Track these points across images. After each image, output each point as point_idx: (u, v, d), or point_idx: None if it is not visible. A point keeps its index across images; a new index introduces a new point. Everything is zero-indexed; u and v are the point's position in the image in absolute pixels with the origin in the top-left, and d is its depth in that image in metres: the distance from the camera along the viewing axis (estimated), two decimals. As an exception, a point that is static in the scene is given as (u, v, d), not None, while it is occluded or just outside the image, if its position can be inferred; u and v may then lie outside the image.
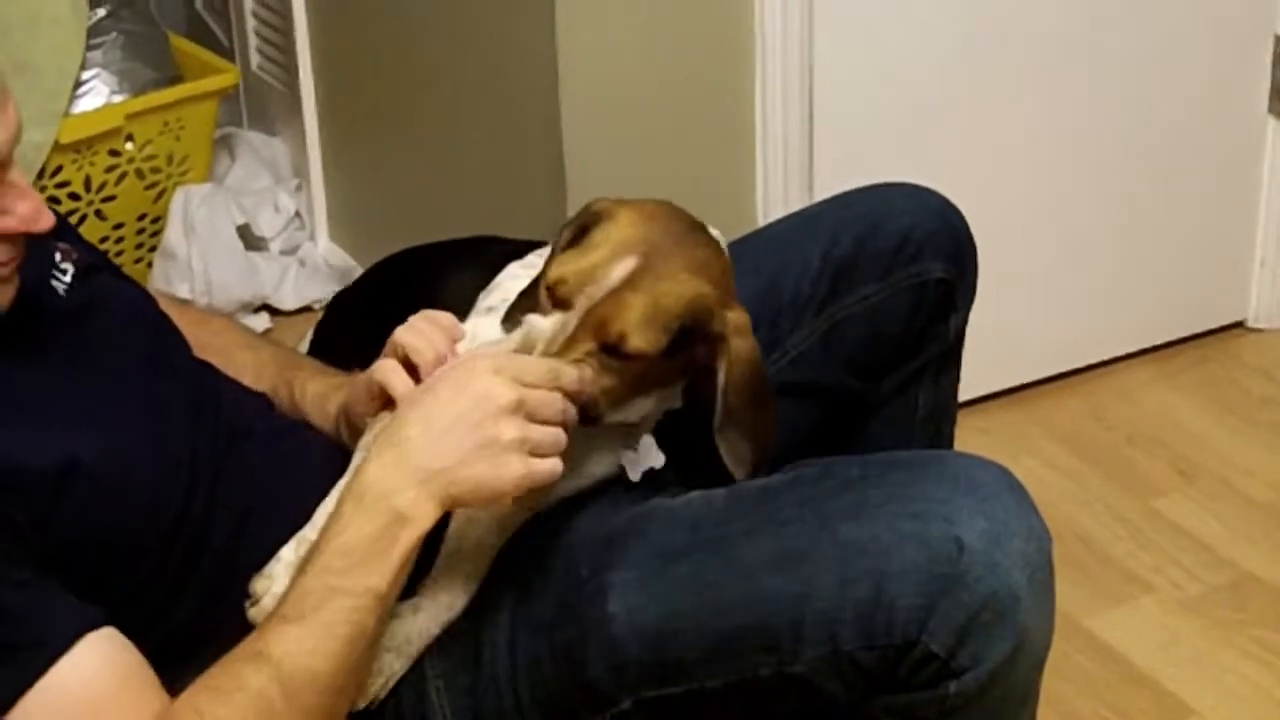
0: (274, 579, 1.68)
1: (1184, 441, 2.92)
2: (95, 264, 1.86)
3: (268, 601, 1.65)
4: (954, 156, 2.76)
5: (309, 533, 1.69)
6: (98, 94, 3.22)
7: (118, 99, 3.23)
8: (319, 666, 1.55)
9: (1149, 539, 2.70)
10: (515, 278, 1.86)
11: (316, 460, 1.80)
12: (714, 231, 1.78)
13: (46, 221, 1.62)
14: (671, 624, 1.64)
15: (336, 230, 3.42)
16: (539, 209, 2.68)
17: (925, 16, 2.73)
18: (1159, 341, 3.14)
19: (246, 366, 1.96)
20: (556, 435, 1.61)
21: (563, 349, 1.65)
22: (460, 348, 1.73)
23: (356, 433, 1.79)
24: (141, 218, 3.30)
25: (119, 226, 3.27)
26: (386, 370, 1.73)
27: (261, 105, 3.54)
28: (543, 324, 1.67)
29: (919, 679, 1.59)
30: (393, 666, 1.71)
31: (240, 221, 3.32)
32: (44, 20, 3.11)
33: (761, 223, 2.65)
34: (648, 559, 1.67)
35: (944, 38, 2.76)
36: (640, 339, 1.66)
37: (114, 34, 3.25)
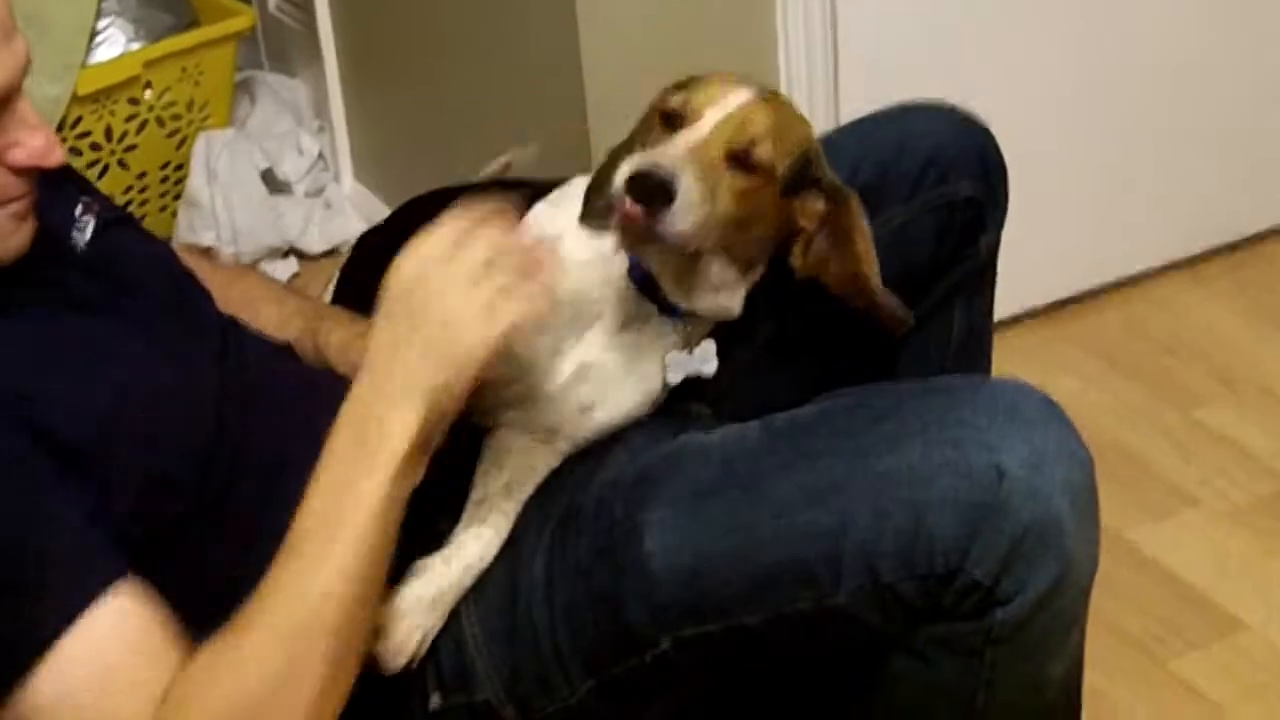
0: (403, 615, 1.68)
1: (1223, 351, 2.88)
2: (117, 218, 1.84)
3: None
4: (979, 71, 2.70)
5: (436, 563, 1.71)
6: (114, 43, 3.19)
7: (135, 47, 3.20)
8: (317, 603, 1.53)
9: (1192, 451, 2.67)
10: (543, 215, 1.84)
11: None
12: None
13: (57, 157, 1.59)
14: (708, 561, 1.62)
15: (361, 171, 3.39)
16: (563, 145, 2.64)
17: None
18: (1195, 251, 3.09)
19: (271, 319, 1.94)
20: (504, 270, 1.57)
21: (695, 152, 1.67)
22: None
23: None
24: (164, 166, 3.27)
25: (142, 176, 3.25)
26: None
27: (281, 46, 3.50)
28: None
29: (963, 609, 1.57)
30: (428, 620, 1.70)
31: (263, 166, 3.29)
32: (56, -31, 3.09)
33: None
34: (682, 497, 1.65)
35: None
36: (768, 149, 1.71)
37: (129, -20, 3.22)
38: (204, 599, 1.59)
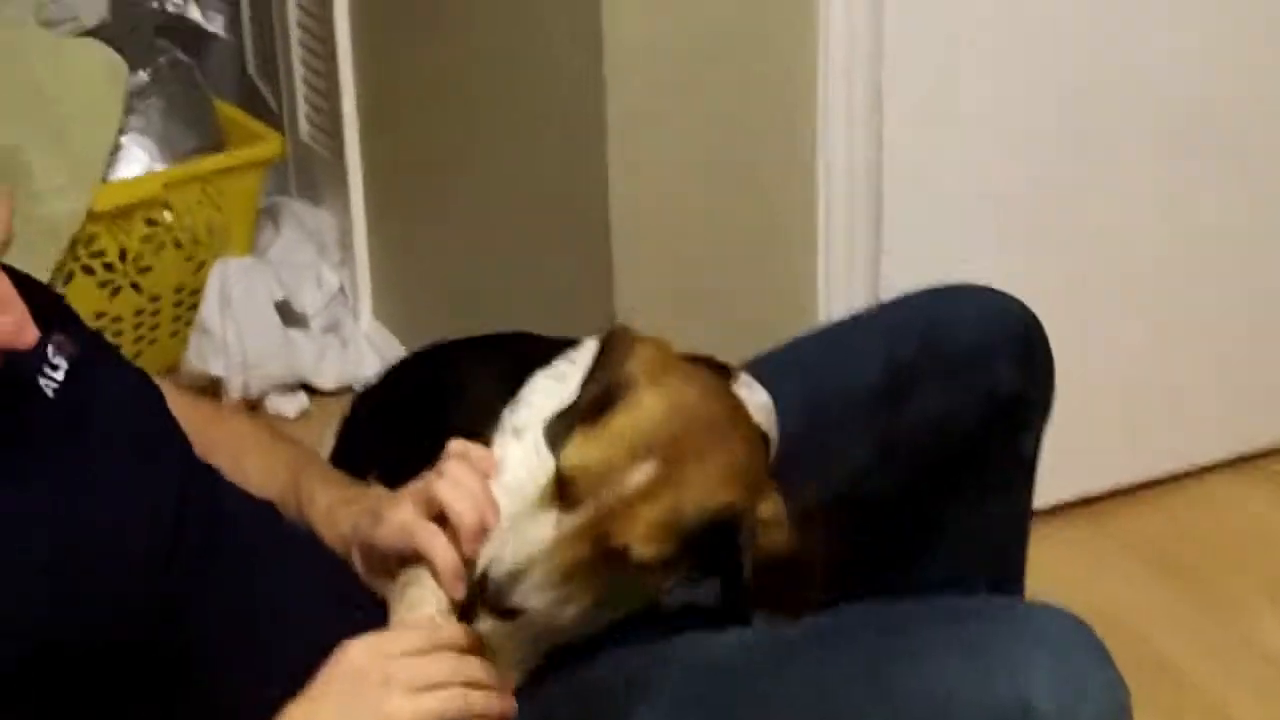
0: None
1: (1275, 560, 2.73)
2: (90, 353, 1.72)
3: None
4: (1027, 253, 2.60)
5: None
6: (136, 161, 3.11)
7: (157, 167, 3.10)
8: None
9: (1240, 669, 2.51)
10: (542, 391, 1.70)
11: (319, 582, 1.65)
12: (748, 395, 1.64)
13: (28, 339, 1.48)
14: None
15: (380, 307, 3.29)
16: (586, 292, 2.55)
17: (1005, 91, 2.57)
18: (1245, 450, 2.95)
19: (255, 469, 1.81)
20: (451, 702, 1.49)
21: (558, 554, 1.49)
22: (493, 485, 1.60)
23: (370, 565, 1.65)
24: (179, 290, 3.17)
25: (155, 299, 3.14)
26: (429, 538, 1.58)
27: (310, 174, 3.41)
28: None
29: None
30: None
31: (280, 297, 3.18)
32: (79, 83, 3.02)
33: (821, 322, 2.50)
34: (675, 706, 1.51)
35: (1020, 120, 2.60)
36: (646, 552, 1.49)
37: (155, 99, 3.13)
38: None
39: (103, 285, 3.04)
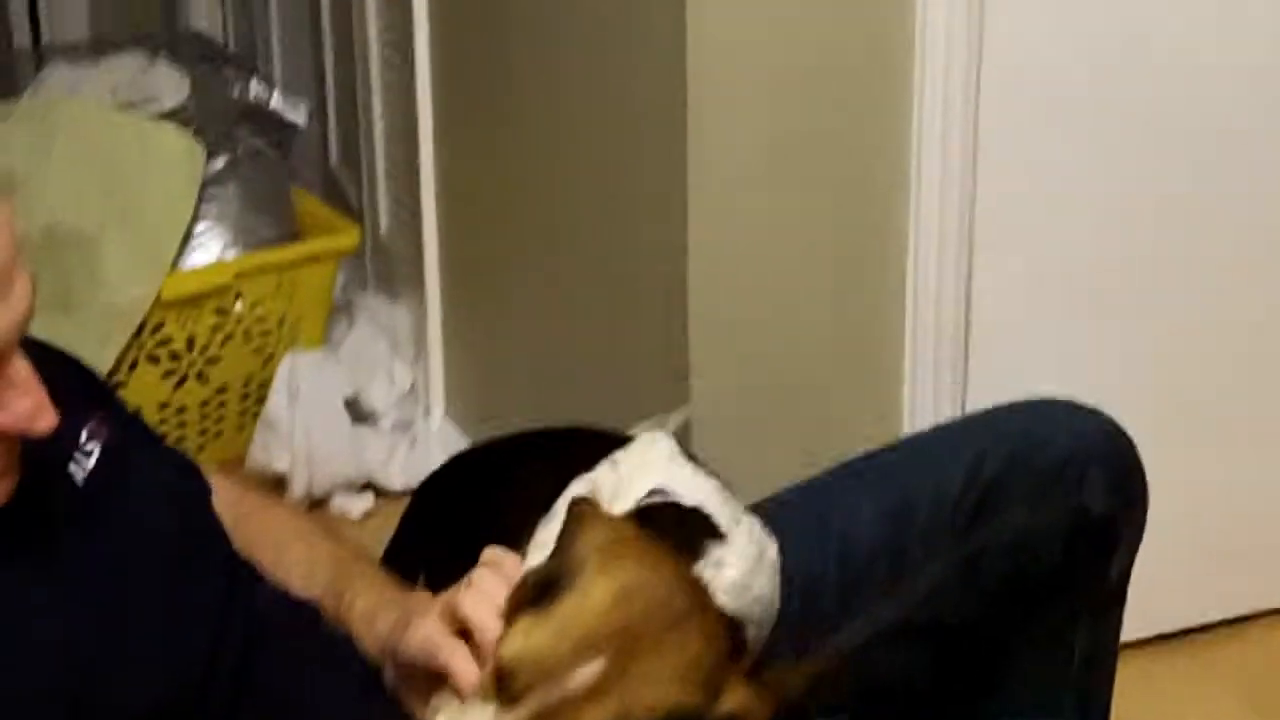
0: None
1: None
2: (128, 439, 1.64)
3: None
4: (1121, 371, 2.51)
5: None
6: (208, 249, 3.06)
7: (230, 255, 3.05)
8: None
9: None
10: (605, 481, 1.61)
11: (354, 698, 1.57)
12: (718, 552, 1.52)
13: (45, 424, 1.40)
14: None
15: (453, 406, 3.22)
16: (662, 392, 2.47)
17: (1096, 199, 2.49)
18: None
19: (298, 563, 1.73)
20: None
21: None
22: None
23: (400, 675, 1.57)
24: (246, 383, 3.11)
25: (221, 390, 3.08)
26: (449, 655, 1.49)
27: (386, 269, 3.35)
28: None
29: None
30: None
31: (350, 393, 3.12)
32: (157, 166, 2.98)
33: (906, 432, 2.41)
34: None
35: (1116, 226, 2.51)
36: None
37: (232, 185, 3.09)
38: None
39: (168, 375, 2.99)
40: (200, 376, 3.03)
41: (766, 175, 2.38)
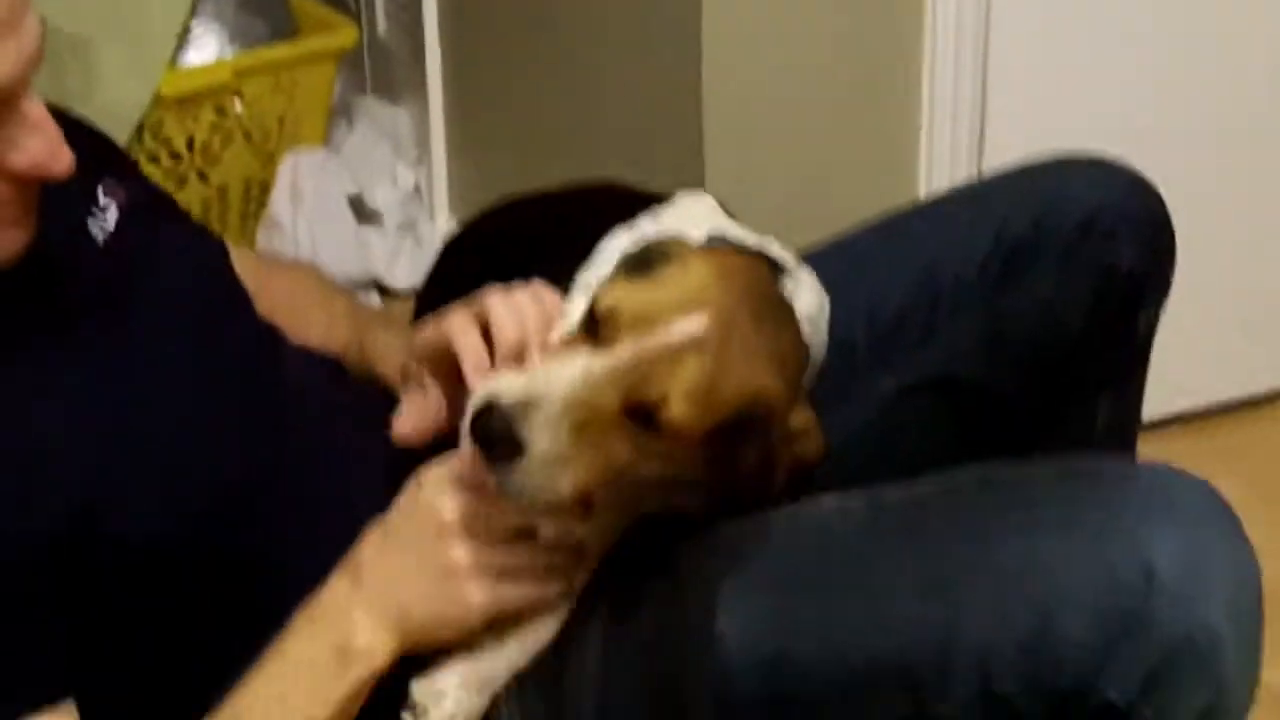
0: (445, 695, 1.44)
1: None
2: (147, 203, 1.62)
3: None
4: (1147, 132, 2.44)
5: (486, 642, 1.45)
6: (206, 47, 3.02)
7: (228, 54, 3.00)
8: None
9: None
10: (619, 250, 1.58)
11: (383, 461, 1.54)
12: (791, 284, 1.50)
13: (62, 164, 1.38)
14: (793, 652, 1.36)
15: (457, 208, 3.19)
16: (676, 174, 2.43)
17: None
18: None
19: (317, 324, 1.74)
20: (524, 554, 1.41)
21: (581, 391, 1.33)
22: (554, 337, 1.46)
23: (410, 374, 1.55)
24: (248, 183, 3.08)
25: (223, 190, 3.06)
26: (457, 328, 1.46)
27: (386, 72, 3.31)
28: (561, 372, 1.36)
29: (1089, 737, 1.30)
30: (472, 702, 1.45)
31: (353, 192, 3.08)
32: (150, -36, 2.91)
33: (922, 195, 2.39)
34: (767, 575, 1.40)
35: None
36: (684, 412, 1.35)
37: (228, -15, 3.03)
38: (231, 639, 1.43)
39: (169, 175, 2.95)
40: (201, 176, 3.00)
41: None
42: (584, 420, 1.35)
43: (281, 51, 3.04)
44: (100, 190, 1.56)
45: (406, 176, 3.17)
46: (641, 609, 1.45)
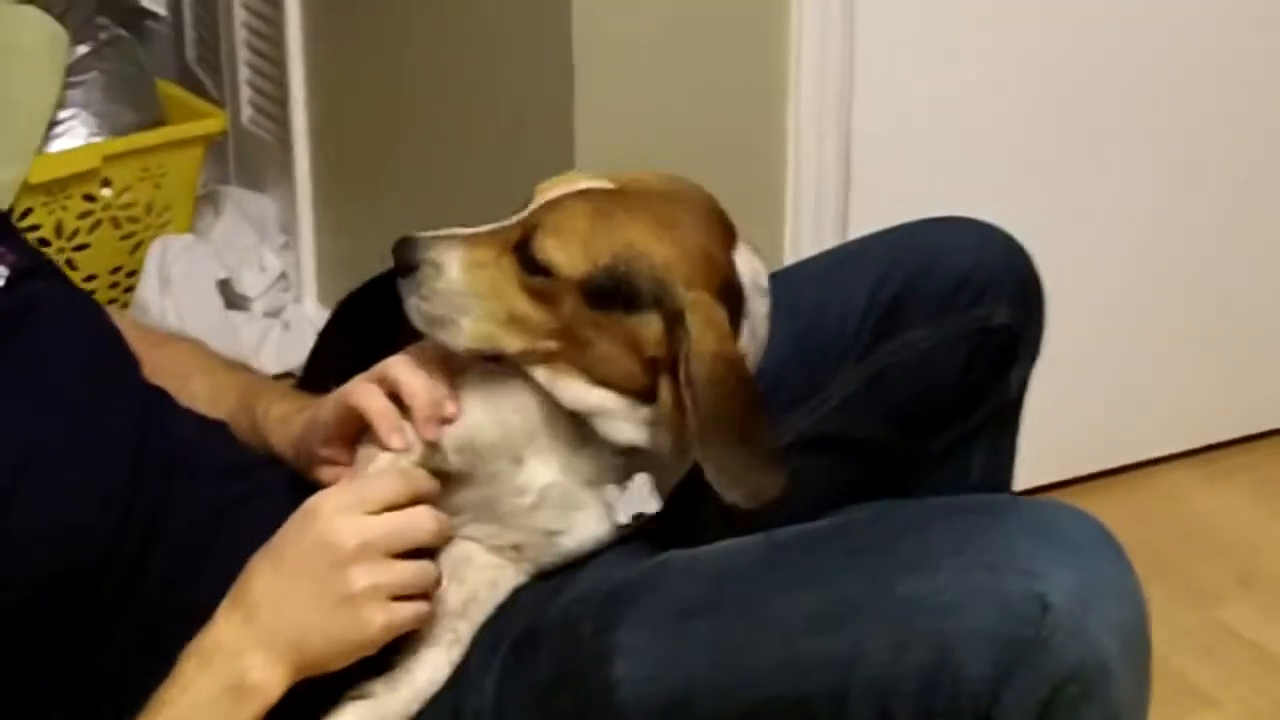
0: None
1: (1240, 546, 2.69)
2: (34, 268, 1.62)
3: None
4: (1009, 205, 2.50)
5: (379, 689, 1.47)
6: (75, 135, 3.01)
7: (96, 140, 3.00)
8: None
9: (1212, 651, 2.45)
10: None
11: (275, 500, 1.55)
12: (753, 262, 1.53)
13: None
14: (689, 692, 1.39)
15: (325, 292, 3.18)
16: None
17: (988, 44, 2.52)
18: (1208, 442, 2.91)
19: (202, 391, 1.72)
20: (418, 571, 1.42)
21: (477, 237, 1.44)
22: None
23: (310, 454, 1.57)
24: (116, 270, 3.06)
25: (91, 278, 3.03)
26: (364, 395, 1.50)
27: (250, 161, 3.32)
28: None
29: (986, 766, 1.33)
30: None
31: (221, 276, 3.08)
32: (18, 51, 2.92)
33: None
34: (662, 615, 1.42)
35: (1009, 69, 2.55)
36: (554, 245, 1.43)
37: (95, 73, 3.04)
38: (91, 694, 1.45)
39: (37, 262, 2.92)
40: (70, 264, 2.97)
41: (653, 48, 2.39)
42: (481, 259, 1.44)
43: (150, 138, 3.04)
44: None
45: (273, 262, 3.17)
46: (540, 650, 1.46)
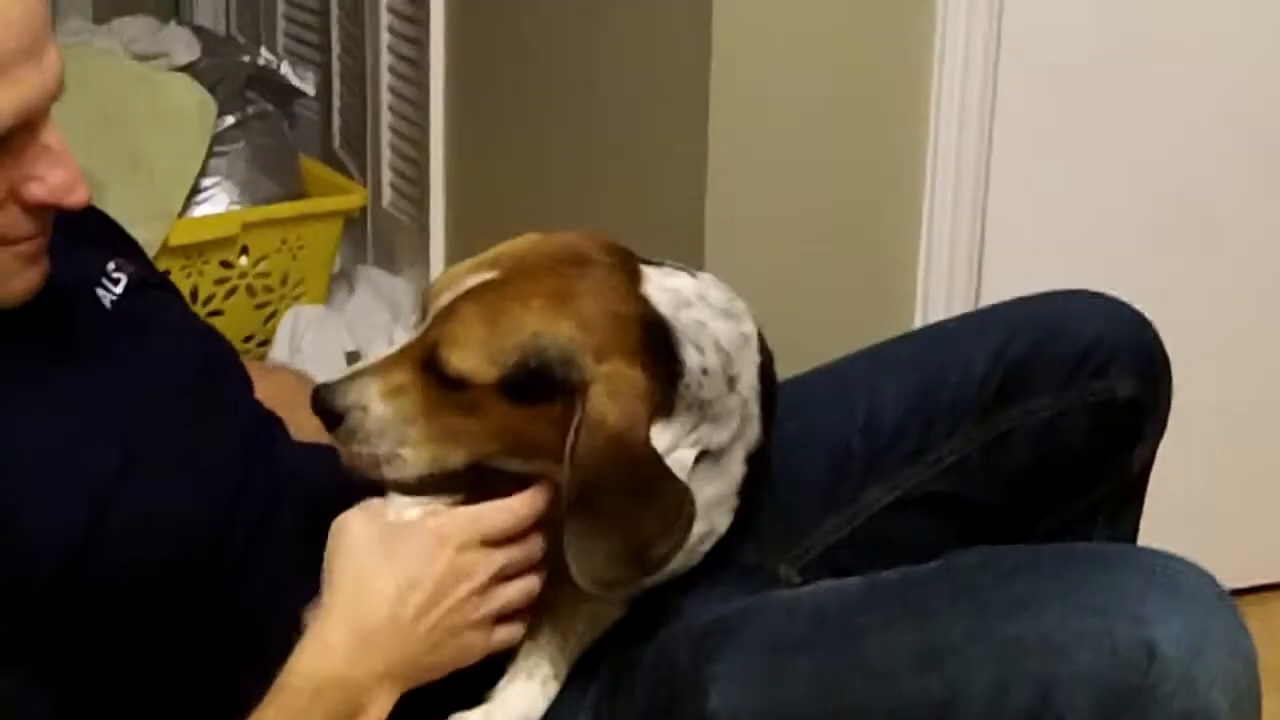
0: None
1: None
2: (157, 283, 1.64)
3: None
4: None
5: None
6: (217, 203, 3.04)
7: (237, 209, 3.03)
8: None
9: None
10: None
11: None
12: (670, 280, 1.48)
13: (80, 196, 1.40)
14: (784, 729, 1.36)
15: (453, 371, 3.18)
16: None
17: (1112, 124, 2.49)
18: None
19: (307, 423, 1.72)
20: (527, 587, 1.43)
21: (386, 364, 1.42)
22: None
23: None
24: (248, 339, 3.09)
25: (222, 344, 3.05)
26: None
27: (388, 242, 3.34)
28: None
29: (1088, 815, 1.29)
30: None
31: (350, 349, 3.09)
32: (168, 116, 2.97)
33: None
34: (759, 651, 1.41)
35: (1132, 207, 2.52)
36: (460, 357, 1.39)
37: (241, 144, 3.08)
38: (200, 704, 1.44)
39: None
40: (202, 328, 3.01)
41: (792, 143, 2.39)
42: (399, 385, 1.41)
43: (290, 209, 3.07)
44: (111, 265, 1.58)
45: (403, 339, 3.17)
46: (636, 683, 1.45)
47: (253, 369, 1.76)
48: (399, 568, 1.41)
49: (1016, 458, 1.71)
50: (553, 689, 1.49)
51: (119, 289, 1.56)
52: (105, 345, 1.51)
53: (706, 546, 1.53)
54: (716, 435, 1.48)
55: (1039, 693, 1.28)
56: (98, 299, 1.54)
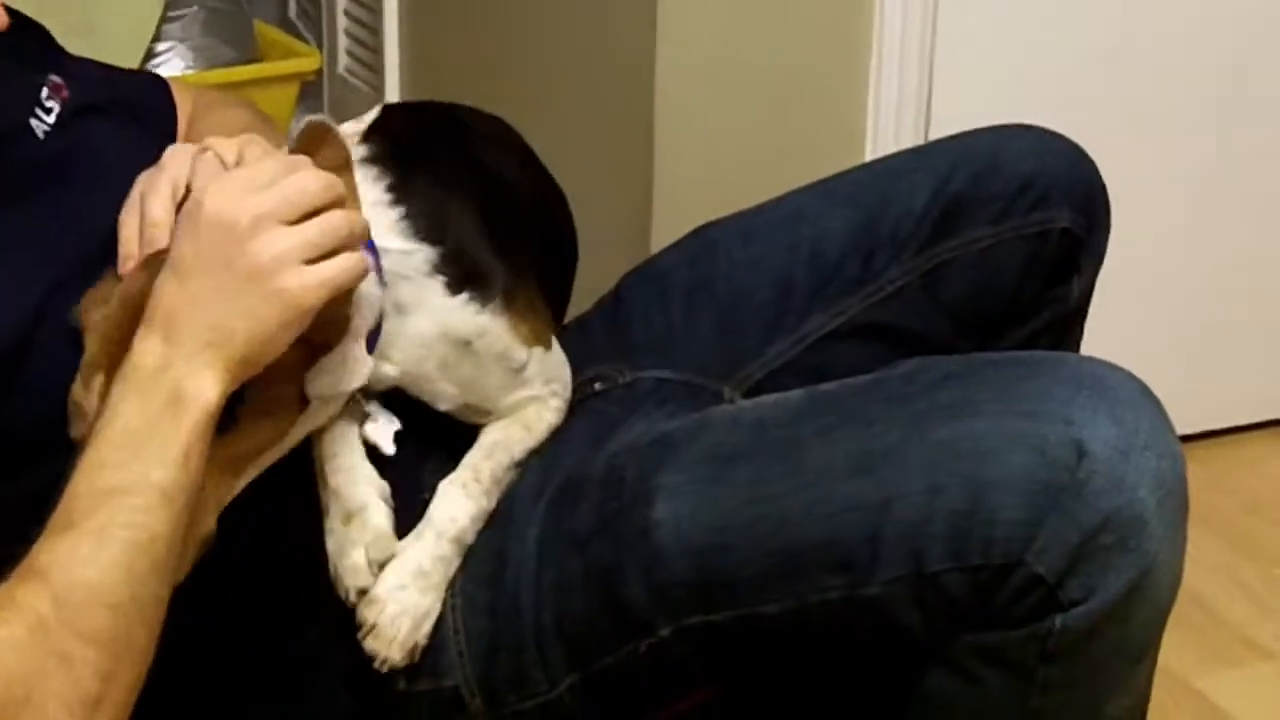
0: (383, 601, 1.46)
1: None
2: (94, 105, 1.62)
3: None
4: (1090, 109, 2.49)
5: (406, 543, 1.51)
6: (171, 67, 3.06)
7: (191, 74, 3.04)
8: (95, 578, 1.24)
9: (1269, 605, 2.44)
10: None
11: None
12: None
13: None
14: (725, 536, 1.39)
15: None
16: (627, 204, 2.47)
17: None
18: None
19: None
20: (324, 227, 1.32)
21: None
22: None
23: None
24: (205, 204, 3.08)
25: (180, 210, 3.06)
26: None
27: (344, 108, 3.35)
28: None
29: (1017, 611, 1.32)
30: (418, 603, 1.47)
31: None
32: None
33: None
34: (702, 461, 1.43)
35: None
36: None
37: (195, 8, 3.08)
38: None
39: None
40: (160, 192, 3.02)
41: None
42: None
43: (244, 72, 3.08)
44: (44, 90, 1.55)
45: (361, 203, 3.19)
46: (584, 497, 1.47)
47: (206, 101, 1.75)
48: (172, 248, 1.33)
49: (955, 287, 1.74)
50: (476, 491, 1.51)
51: (51, 118, 1.53)
52: (29, 185, 1.48)
53: None
54: None
55: (970, 494, 1.31)
56: (31, 130, 1.52)
